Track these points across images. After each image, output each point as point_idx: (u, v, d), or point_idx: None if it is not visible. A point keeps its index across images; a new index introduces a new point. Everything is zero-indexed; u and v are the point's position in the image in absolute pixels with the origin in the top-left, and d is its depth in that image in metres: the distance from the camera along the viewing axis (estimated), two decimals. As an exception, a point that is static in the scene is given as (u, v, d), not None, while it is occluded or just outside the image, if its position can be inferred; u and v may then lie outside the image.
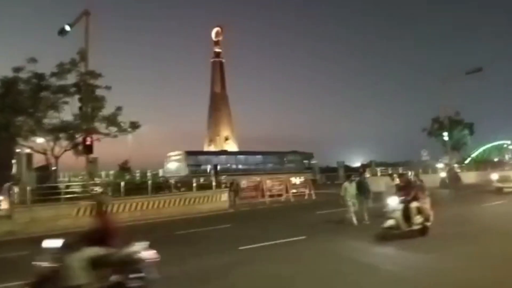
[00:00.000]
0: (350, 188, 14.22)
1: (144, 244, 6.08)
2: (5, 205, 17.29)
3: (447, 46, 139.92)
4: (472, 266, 8.03)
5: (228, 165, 32.11)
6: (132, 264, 5.93)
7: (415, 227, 10.83)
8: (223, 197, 22.70)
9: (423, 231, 10.94)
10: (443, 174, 32.85)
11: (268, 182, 25.94)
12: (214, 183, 23.40)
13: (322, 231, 13.05)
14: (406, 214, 10.70)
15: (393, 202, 10.98)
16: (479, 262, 8.35)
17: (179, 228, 15.10)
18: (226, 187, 23.83)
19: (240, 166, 32.81)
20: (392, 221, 10.66)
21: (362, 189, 14.54)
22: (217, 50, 53.48)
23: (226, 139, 49.76)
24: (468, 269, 7.78)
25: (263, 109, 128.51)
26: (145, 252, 6.05)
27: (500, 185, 24.94)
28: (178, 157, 31.04)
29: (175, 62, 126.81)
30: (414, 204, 10.88)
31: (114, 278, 5.81)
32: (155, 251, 6.11)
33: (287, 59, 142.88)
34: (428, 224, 11.07)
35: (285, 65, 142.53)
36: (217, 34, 53.12)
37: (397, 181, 13.41)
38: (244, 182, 26.38)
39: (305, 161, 36.41)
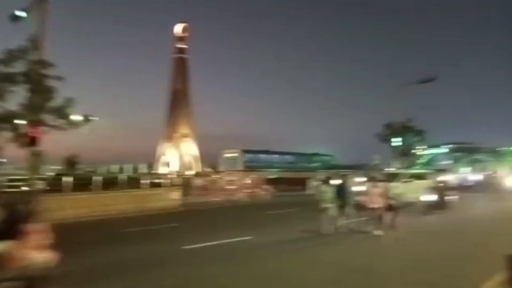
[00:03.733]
0: (328, 191, 12.59)
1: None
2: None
3: (406, 52, 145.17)
4: None
5: (269, 163, 38.08)
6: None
7: None
8: (174, 195, 22.44)
9: None
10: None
11: (223, 182, 25.99)
12: (164, 181, 23.23)
13: (270, 232, 13.18)
14: None
15: None
16: None
17: (125, 226, 14.74)
18: (178, 186, 23.67)
19: (280, 164, 37.26)
20: None
21: (342, 194, 12.78)
22: (182, 46, 52.76)
23: (184, 136, 49.20)
24: None
25: (225, 107, 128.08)
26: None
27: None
28: (234, 155, 35.25)
29: (134, 57, 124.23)
30: None
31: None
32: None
33: (249, 59, 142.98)
34: None
35: (247, 65, 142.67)
36: (184, 29, 52.38)
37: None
38: (198, 181, 26.30)
39: (326, 161, 41.57)
